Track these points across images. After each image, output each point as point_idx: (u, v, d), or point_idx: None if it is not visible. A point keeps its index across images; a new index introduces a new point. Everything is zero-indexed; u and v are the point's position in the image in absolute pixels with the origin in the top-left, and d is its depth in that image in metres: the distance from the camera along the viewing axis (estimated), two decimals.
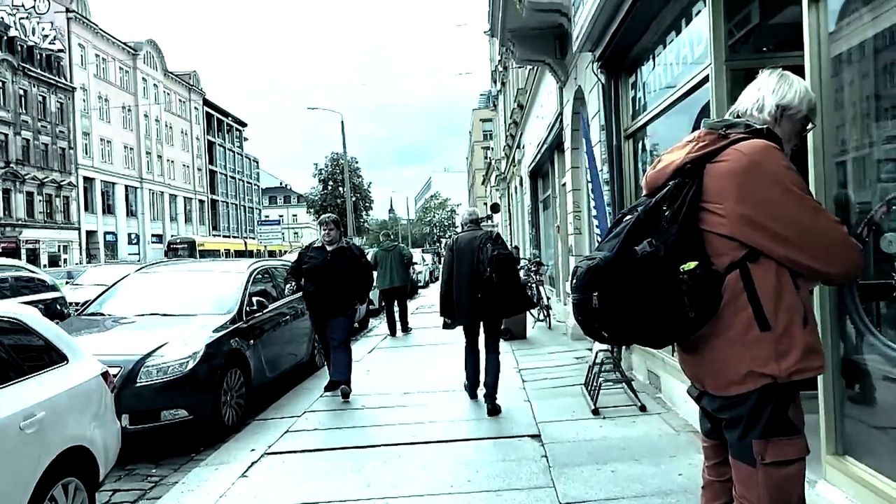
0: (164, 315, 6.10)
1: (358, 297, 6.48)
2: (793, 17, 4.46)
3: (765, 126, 1.86)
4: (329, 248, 6.32)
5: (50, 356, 3.51)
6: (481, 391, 5.92)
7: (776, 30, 4.59)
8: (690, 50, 4.74)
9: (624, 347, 6.19)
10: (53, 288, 12.63)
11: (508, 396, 6.00)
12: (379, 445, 4.81)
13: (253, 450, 4.89)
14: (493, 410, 5.49)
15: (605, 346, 6.28)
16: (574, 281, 1.92)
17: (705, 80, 4.39)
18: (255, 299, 6.55)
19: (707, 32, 4.18)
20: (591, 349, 7.98)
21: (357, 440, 4.99)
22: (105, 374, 3.84)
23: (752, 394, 1.76)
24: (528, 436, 4.80)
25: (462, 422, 5.39)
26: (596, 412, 5.17)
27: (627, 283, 1.81)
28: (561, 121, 9.74)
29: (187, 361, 5.23)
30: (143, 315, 6.15)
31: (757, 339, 1.75)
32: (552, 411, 5.39)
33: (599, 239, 6.74)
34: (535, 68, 12.46)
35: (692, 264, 1.77)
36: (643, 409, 5.14)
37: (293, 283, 6.95)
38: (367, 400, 6.22)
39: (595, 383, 5.45)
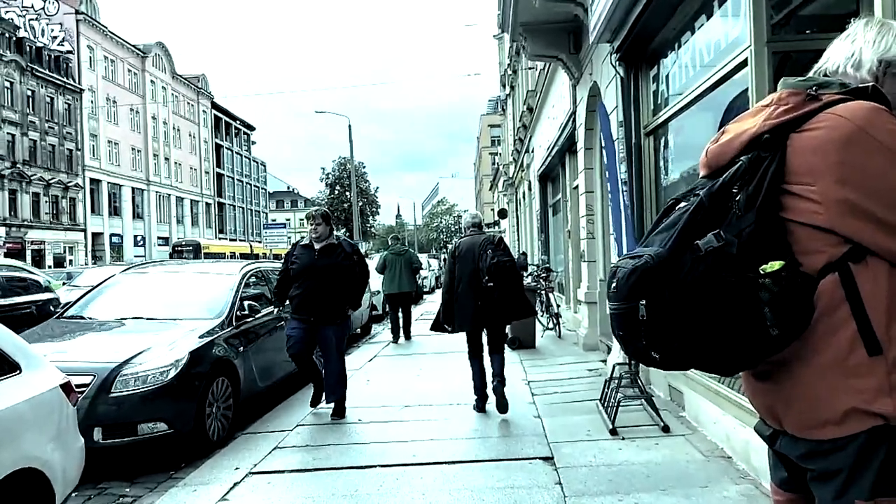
0: (149, 319, 5.69)
1: (350, 303, 5.74)
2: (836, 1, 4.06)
3: (869, 84, 1.42)
4: (317, 246, 5.59)
5: None
6: (490, 404, 5.65)
7: (820, 14, 4.18)
8: (724, 34, 4.30)
9: None
10: (48, 289, 12.31)
11: (518, 411, 5.57)
12: (375, 466, 4.36)
13: (237, 468, 4.46)
14: (502, 406, 5.41)
15: (621, 359, 5.84)
16: (613, 285, 1.48)
17: (741, 65, 3.95)
18: (246, 303, 6.11)
19: (746, 9, 3.74)
20: (604, 361, 7.53)
21: (351, 459, 4.55)
22: (66, 386, 3.42)
23: (856, 438, 1.31)
24: (540, 458, 4.34)
25: (467, 440, 4.94)
26: (614, 432, 4.71)
27: (686, 288, 1.37)
28: (574, 120, 9.31)
29: (169, 370, 4.80)
30: (125, 319, 5.73)
31: (863, 365, 1.30)
32: (566, 430, 4.93)
33: (616, 243, 6.29)
34: (547, 68, 12.07)
35: (776, 265, 1.33)
36: (666, 429, 4.68)
37: (280, 305, 5.94)
38: (365, 413, 5.78)
39: (612, 400, 5.00)
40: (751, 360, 1.42)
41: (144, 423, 4.64)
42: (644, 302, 1.40)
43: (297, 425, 5.46)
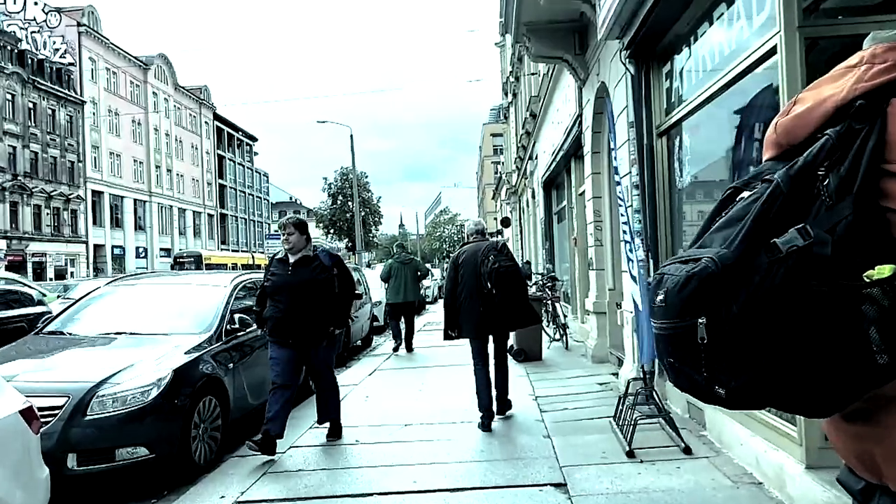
0: (132, 334, 5.36)
1: (333, 322, 5.03)
2: None
3: None
4: (291, 259, 4.96)
5: None
6: (496, 422, 5.42)
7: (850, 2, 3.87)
8: (748, 21, 3.98)
9: (657, 371, 5.31)
10: (40, 303, 12.03)
11: (526, 430, 5.24)
12: (372, 494, 4.01)
13: (223, 497, 4.11)
14: (502, 408, 5.55)
15: (635, 373, 5.49)
16: (660, 297, 1.14)
17: (769, 54, 3.62)
18: (237, 317, 5.77)
19: None
20: (615, 374, 7.16)
21: (347, 487, 4.19)
22: (27, 412, 3.09)
23: None
24: (552, 484, 3.98)
25: (472, 463, 4.58)
26: (631, 454, 4.35)
27: (762, 301, 1.03)
28: (580, 123, 8.99)
29: (150, 389, 4.46)
30: (108, 334, 5.41)
31: None
32: (578, 452, 4.57)
33: (627, 250, 5.93)
34: (550, 71, 11.78)
35: (886, 270, 0.99)
36: (688, 451, 4.31)
37: (261, 328, 5.25)
38: (363, 433, 5.42)
39: (629, 418, 4.64)
40: (848, 397, 1.07)
41: (123, 448, 4.29)
42: (704, 320, 1.05)
43: (290, 447, 5.11)
